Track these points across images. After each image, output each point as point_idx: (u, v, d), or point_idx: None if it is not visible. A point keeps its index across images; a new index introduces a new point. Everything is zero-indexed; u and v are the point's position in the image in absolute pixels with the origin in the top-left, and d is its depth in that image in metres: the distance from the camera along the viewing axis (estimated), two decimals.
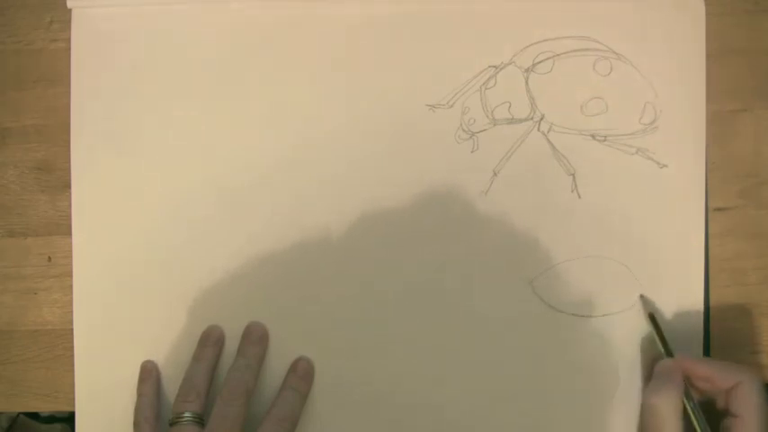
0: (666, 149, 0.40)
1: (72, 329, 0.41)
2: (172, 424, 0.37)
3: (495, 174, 0.41)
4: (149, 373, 0.40)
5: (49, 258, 0.42)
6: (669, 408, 0.34)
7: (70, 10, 0.41)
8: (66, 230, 0.41)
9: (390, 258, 0.40)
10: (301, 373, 0.40)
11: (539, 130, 0.41)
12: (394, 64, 0.41)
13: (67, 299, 0.41)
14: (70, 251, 0.41)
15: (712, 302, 0.40)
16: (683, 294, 0.40)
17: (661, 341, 0.38)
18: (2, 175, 0.42)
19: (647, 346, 0.40)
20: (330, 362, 0.40)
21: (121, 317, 0.41)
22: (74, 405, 0.41)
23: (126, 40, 0.41)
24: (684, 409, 0.35)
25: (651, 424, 0.35)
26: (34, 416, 0.49)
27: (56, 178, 0.42)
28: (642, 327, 0.40)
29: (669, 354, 0.37)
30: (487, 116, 0.41)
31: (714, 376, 0.36)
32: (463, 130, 0.41)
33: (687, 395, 0.36)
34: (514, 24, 0.41)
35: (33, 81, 0.42)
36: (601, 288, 0.40)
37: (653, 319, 0.39)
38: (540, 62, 0.41)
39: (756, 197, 0.41)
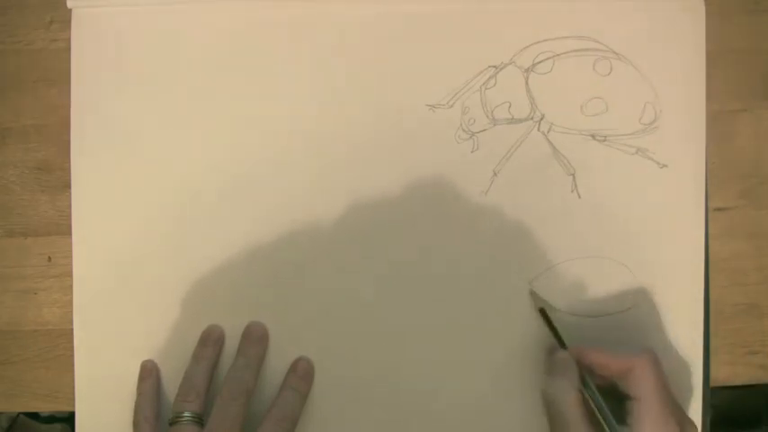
0: (666, 149, 0.40)
1: (72, 329, 0.41)
2: (171, 423, 0.37)
3: (495, 174, 0.41)
4: (149, 373, 0.40)
5: (49, 258, 0.42)
6: (565, 397, 0.35)
7: (70, 10, 0.41)
8: (67, 230, 0.41)
9: (390, 258, 0.40)
10: (301, 373, 0.40)
11: (539, 130, 0.41)
12: (394, 64, 0.41)
13: (67, 299, 0.41)
14: (70, 251, 0.41)
15: (712, 302, 0.40)
16: (683, 294, 0.40)
17: (554, 334, 0.38)
18: (2, 175, 0.42)
19: (649, 343, 0.40)
20: (330, 362, 0.40)
21: (121, 317, 0.41)
22: (74, 405, 0.41)
23: (126, 40, 0.41)
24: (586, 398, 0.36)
25: (551, 414, 0.36)
26: (34, 416, 0.49)
27: (56, 178, 0.42)
28: (641, 327, 0.40)
29: (562, 345, 0.38)
30: (487, 116, 0.41)
31: (608, 363, 0.36)
32: (463, 130, 0.41)
33: (585, 383, 0.36)
34: (514, 24, 0.41)
35: (33, 81, 0.42)
36: (601, 288, 0.40)
37: (543, 313, 0.39)
38: (540, 62, 0.41)
39: (756, 197, 0.41)
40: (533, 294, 0.40)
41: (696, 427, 0.35)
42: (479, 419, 0.40)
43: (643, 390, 0.35)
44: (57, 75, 0.42)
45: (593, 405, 0.36)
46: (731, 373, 0.41)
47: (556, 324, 0.39)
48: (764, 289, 0.41)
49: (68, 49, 0.41)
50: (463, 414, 0.40)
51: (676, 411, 0.35)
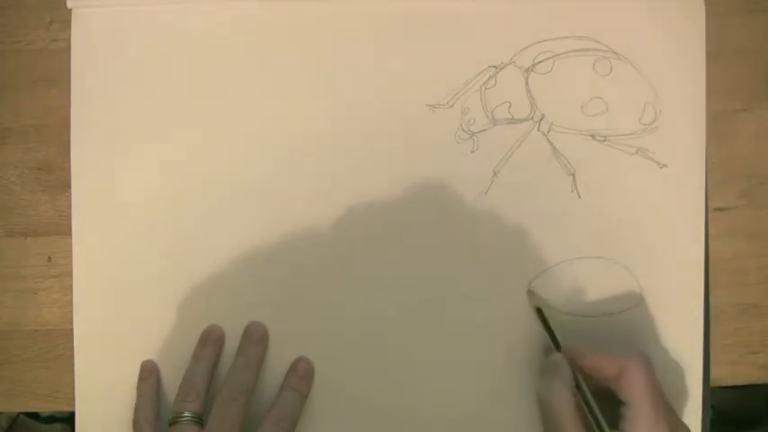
0: (666, 149, 0.40)
1: (72, 329, 0.41)
2: (171, 423, 0.37)
3: (495, 174, 0.41)
4: (149, 373, 0.40)
5: (49, 258, 0.42)
6: (560, 400, 0.35)
7: (70, 10, 0.41)
8: (67, 230, 0.41)
9: (390, 258, 0.40)
10: (301, 373, 0.40)
11: (539, 130, 0.41)
12: (394, 64, 0.41)
13: (67, 299, 0.41)
14: (70, 251, 0.41)
15: (712, 302, 0.40)
16: (683, 294, 0.40)
17: (549, 334, 0.38)
18: (2, 175, 0.42)
19: (648, 343, 0.40)
20: (330, 362, 0.40)
21: (121, 317, 0.41)
22: (74, 405, 0.41)
23: (126, 40, 0.41)
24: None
25: (547, 417, 0.36)
26: (34, 416, 0.49)
27: (56, 178, 0.42)
28: (641, 327, 0.40)
29: (557, 347, 0.38)
30: (487, 116, 0.41)
31: (600, 366, 0.36)
32: (463, 130, 0.41)
33: (578, 386, 0.36)
34: (514, 24, 0.41)
35: (33, 81, 0.42)
36: (600, 288, 0.40)
37: (540, 312, 0.39)
38: (540, 62, 0.41)
39: (756, 197, 0.41)
40: (531, 293, 0.40)
41: (689, 430, 0.35)
42: (479, 419, 0.40)
43: (634, 394, 0.34)
44: (57, 75, 0.42)
45: (585, 408, 0.35)
46: (731, 373, 0.41)
47: (552, 325, 0.39)
48: (765, 289, 0.41)
49: (68, 49, 0.41)
50: (462, 415, 0.40)
51: (669, 416, 0.34)
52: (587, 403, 0.35)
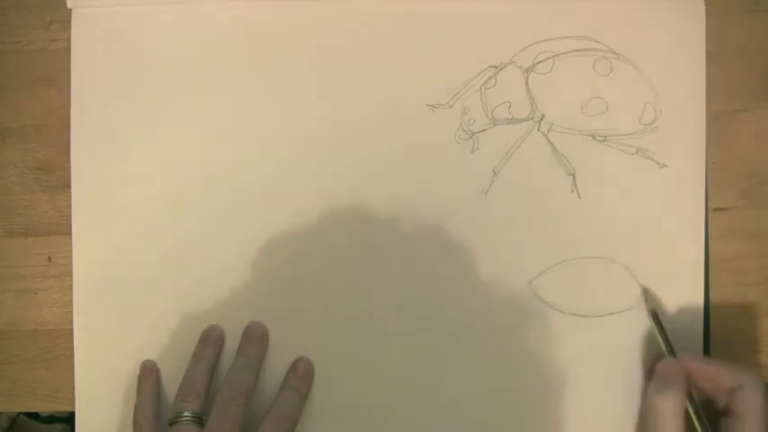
0: (666, 149, 0.40)
1: (72, 329, 0.41)
2: (171, 423, 0.37)
3: (495, 174, 0.41)
4: (149, 373, 0.40)
5: (49, 258, 0.42)
6: (672, 409, 0.34)
7: (70, 10, 0.41)
8: (67, 230, 0.41)
9: (390, 259, 0.40)
10: (301, 373, 0.40)
11: (539, 130, 0.41)
12: (394, 64, 0.41)
13: (67, 299, 0.41)
14: (70, 251, 0.41)
15: (712, 302, 0.40)
16: (683, 294, 0.40)
17: (663, 340, 0.38)
18: (2, 175, 0.42)
19: (648, 343, 0.40)
20: (330, 362, 0.40)
21: (121, 317, 0.41)
22: (74, 405, 0.41)
23: (126, 40, 0.41)
24: (686, 410, 0.35)
25: (653, 424, 0.35)
26: (34, 416, 0.49)
27: (56, 178, 0.42)
28: (641, 327, 0.40)
29: (671, 353, 0.37)
30: (487, 116, 0.41)
31: (718, 377, 0.36)
32: (463, 130, 0.41)
33: (689, 396, 0.36)
34: (514, 24, 0.41)
35: (33, 81, 0.42)
36: (600, 288, 0.40)
37: (655, 316, 0.39)
38: (540, 62, 0.41)
39: (756, 197, 0.41)
40: (647, 295, 0.39)
41: None
42: (479, 418, 0.40)
43: (749, 409, 0.34)
44: (57, 75, 0.42)
45: (695, 420, 0.35)
46: None
47: (666, 329, 0.38)
48: (765, 289, 0.41)
49: (68, 49, 0.41)
50: (462, 411, 0.40)
51: None
52: (697, 413, 0.35)
